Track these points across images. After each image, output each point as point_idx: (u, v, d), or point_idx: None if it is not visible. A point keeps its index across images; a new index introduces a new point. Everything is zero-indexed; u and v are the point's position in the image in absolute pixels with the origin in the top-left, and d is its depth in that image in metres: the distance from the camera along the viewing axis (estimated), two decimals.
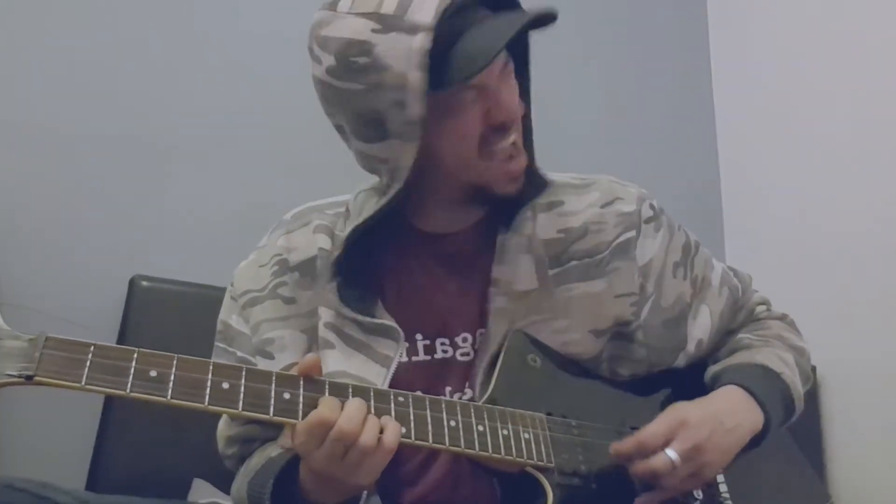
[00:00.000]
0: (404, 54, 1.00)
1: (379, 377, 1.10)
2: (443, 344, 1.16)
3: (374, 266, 1.17)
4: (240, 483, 1.14)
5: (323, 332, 1.14)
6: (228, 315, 1.21)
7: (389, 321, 1.13)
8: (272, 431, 1.16)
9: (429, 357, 1.16)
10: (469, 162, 1.10)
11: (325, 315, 1.14)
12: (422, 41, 1.00)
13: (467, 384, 1.15)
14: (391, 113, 1.03)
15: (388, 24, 1.01)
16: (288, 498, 1.02)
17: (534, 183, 1.17)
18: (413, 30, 1.00)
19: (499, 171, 1.11)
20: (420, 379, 1.13)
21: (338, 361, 1.12)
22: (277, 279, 1.18)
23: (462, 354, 1.16)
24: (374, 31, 1.01)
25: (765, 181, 2.42)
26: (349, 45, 1.02)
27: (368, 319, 1.12)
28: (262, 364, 1.15)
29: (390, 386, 1.08)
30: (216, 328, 1.22)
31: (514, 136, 1.10)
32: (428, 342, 1.16)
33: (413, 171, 1.05)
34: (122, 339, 1.71)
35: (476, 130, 1.08)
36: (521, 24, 1.02)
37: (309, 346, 1.15)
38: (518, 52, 1.14)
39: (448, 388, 1.14)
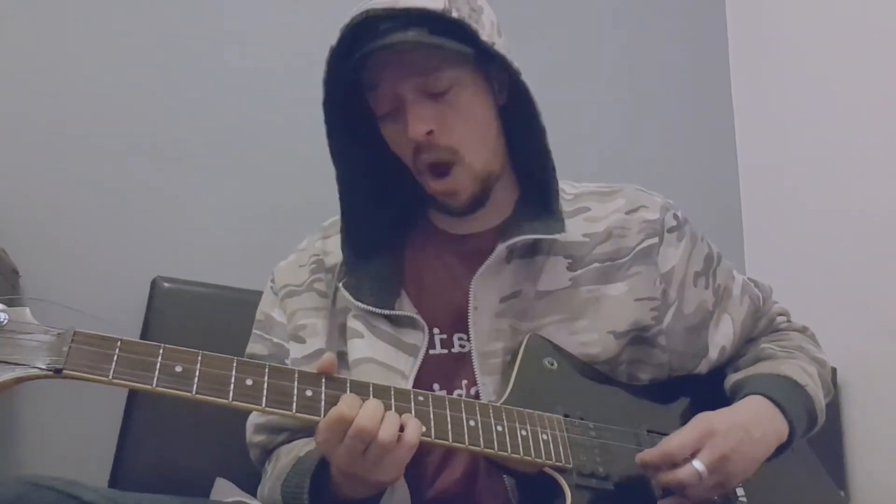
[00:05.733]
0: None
1: (407, 365, 1.15)
2: (460, 339, 1.18)
3: (395, 262, 1.22)
4: (271, 485, 1.15)
5: (352, 323, 1.19)
6: (270, 308, 1.28)
7: (410, 312, 1.17)
8: (300, 423, 1.19)
9: (446, 351, 1.18)
10: (413, 172, 1.18)
11: (355, 308, 1.19)
12: (340, 33, 1.12)
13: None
14: None
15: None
16: (322, 494, 1.03)
17: (544, 220, 1.20)
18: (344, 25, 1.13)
19: (429, 186, 1.17)
20: (437, 371, 1.16)
21: (365, 349, 1.16)
22: (314, 276, 1.26)
23: None
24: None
25: (784, 184, 2.40)
26: None
27: (387, 312, 1.17)
28: (293, 348, 1.22)
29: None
30: (255, 318, 1.29)
31: (432, 157, 1.14)
32: (445, 336, 1.19)
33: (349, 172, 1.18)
34: (143, 339, 1.68)
35: (403, 140, 1.15)
36: (387, 42, 1.08)
37: (338, 339, 1.20)
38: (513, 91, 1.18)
39: (464, 382, 1.16)
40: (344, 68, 1.13)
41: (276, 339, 1.25)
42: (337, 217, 1.31)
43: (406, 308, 1.18)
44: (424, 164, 1.15)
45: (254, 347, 1.27)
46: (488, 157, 1.18)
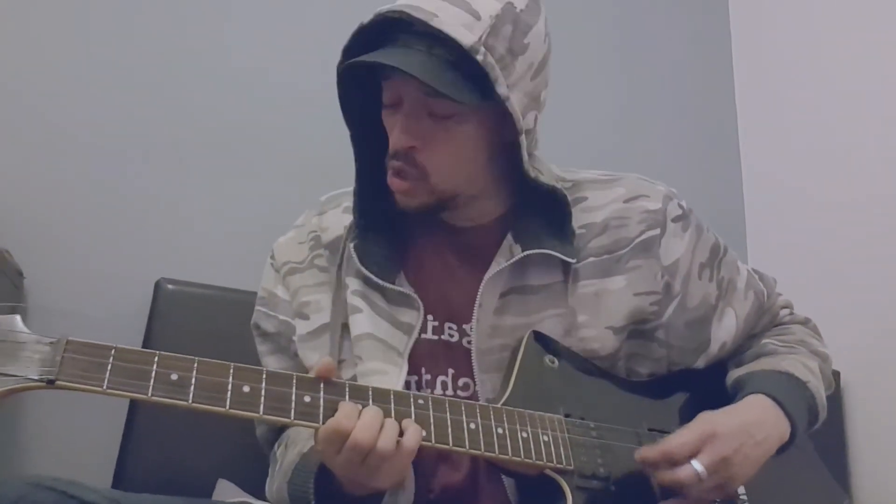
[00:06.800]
0: None
1: (402, 343, 1.15)
2: (450, 328, 1.19)
3: (397, 242, 1.22)
4: (278, 483, 1.15)
5: (351, 299, 1.19)
6: (273, 285, 1.29)
7: (408, 290, 1.18)
8: None
9: (436, 337, 1.18)
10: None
11: (353, 284, 1.19)
12: (356, 29, 1.11)
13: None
14: None
15: None
16: (328, 491, 1.03)
17: (560, 239, 1.18)
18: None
19: (388, 177, 1.16)
20: (425, 355, 1.17)
21: (366, 325, 1.17)
22: (314, 252, 1.26)
23: (468, 342, 1.17)
24: None
25: (787, 184, 2.39)
26: None
27: (388, 285, 1.17)
28: (299, 325, 1.23)
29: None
30: (258, 296, 1.30)
31: (399, 166, 1.13)
32: (437, 324, 1.19)
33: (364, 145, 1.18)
34: (147, 341, 1.71)
35: (391, 135, 1.15)
36: (387, 62, 1.06)
37: (343, 311, 1.20)
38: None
39: (451, 371, 1.17)
40: (360, 52, 1.11)
41: (282, 317, 1.26)
42: (335, 192, 1.32)
43: (402, 284, 1.18)
44: (393, 167, 1.15)
45: (260, 322, 1.29)
46: (458, 184, 1.16)
